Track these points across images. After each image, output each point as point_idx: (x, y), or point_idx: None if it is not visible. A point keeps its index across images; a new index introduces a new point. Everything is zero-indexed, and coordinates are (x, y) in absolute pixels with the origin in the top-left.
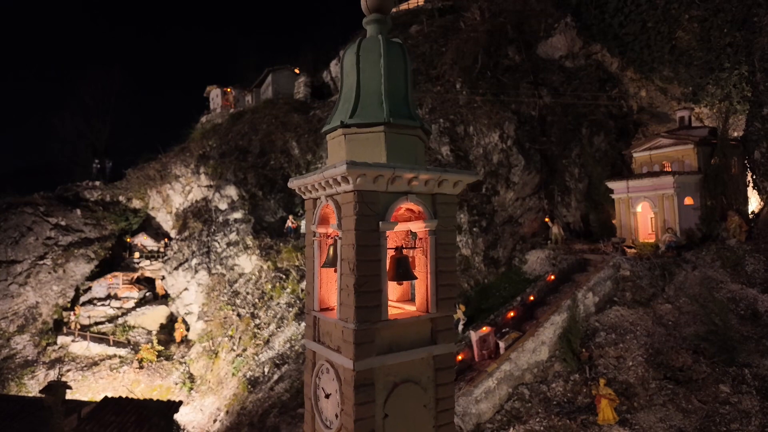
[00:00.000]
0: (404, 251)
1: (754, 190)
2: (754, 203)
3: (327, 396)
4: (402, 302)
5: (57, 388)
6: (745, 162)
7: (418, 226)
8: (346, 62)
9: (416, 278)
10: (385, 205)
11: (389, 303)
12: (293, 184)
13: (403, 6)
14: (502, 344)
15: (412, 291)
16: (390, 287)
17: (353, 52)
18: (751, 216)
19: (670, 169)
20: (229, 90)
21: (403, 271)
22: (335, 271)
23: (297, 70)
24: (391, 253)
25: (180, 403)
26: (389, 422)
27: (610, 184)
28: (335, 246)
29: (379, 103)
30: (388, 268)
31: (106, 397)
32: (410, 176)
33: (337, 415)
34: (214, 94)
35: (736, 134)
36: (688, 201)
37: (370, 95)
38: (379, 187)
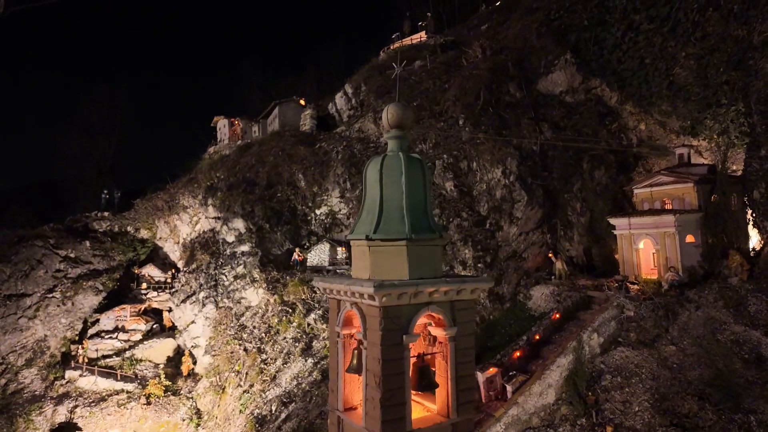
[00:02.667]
0: (425, 358)
1: (755, 228)
2: (754, 239)
3: None
4: (421, 396)
5: (67, 431)
6: (745, 200)
7: (438, 332)
8: (370, 176)
9: (438, 386)
10: (407, 317)
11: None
12: (318, 284)
13: (406, 41)
14: (509, 388)
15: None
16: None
17: (376, 168)
18: (752, 254)
19: (671, 206)
20: (236, 121)
21: (426, 382)
22: (359, 376)
23: (302, 102)
24: (413, 360)
25: None
26: None
27: (612, 221)
28: (359, 352)
29: (401, 217)
30: (411, 375)
31: None
32: (432, 290)
33: None
34: (222, 124)
35: (735, 167)
36: (690, 239)
37: (392, 210)
38: (403, 301)
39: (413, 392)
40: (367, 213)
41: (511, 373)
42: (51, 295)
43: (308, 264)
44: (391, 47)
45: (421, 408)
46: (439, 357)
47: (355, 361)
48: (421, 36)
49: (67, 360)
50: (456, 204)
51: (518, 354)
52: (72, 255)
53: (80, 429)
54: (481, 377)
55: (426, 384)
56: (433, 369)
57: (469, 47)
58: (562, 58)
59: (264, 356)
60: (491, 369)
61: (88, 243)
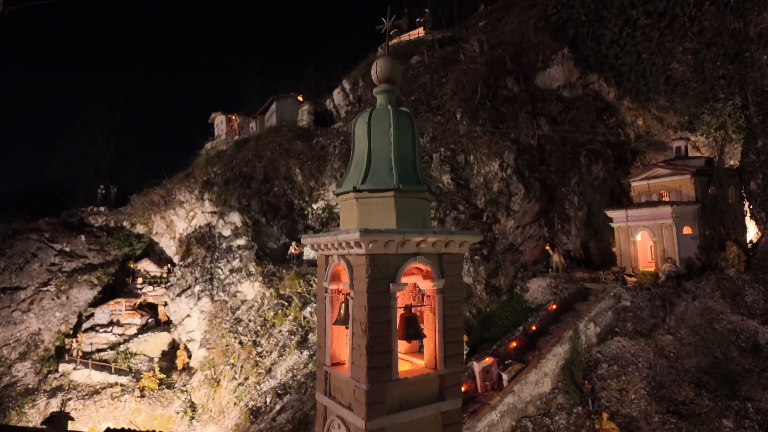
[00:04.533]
0: (413, 309)
1: (752, 220)
2: (752, 232)
3: None
4: (410, 354)
5: (59, 419)
6: (742, 192)
7: (426, 285)
8: (358, 130)
9: (425, 337)
10: (395, 266)
11: (398, 356)
12: (307, 241)
13: (405, 37)
14: (505, 376)
15: (419, 342)
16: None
17: (365, 121)
18: (749, 245)
19: (668, 199)
20: (233, 117)
21: (412, 331)
22: (346, 328)
23: (300, 98)
24: (400, 311)
25: None
26: None
27: (610, 213)
28: (347, 304)
29: (389, 169)
30: (398, 326)
31: (108, 429)
32: (419, 239)
33: None
34: (219, 120)
35: (732, 162)
36: (687, 230)
37: (380, 162)
38: (390, 250)
39: (401, 354)
40: (355, 167)
41: (507, 362)
42: (45, 289)
43: (305, 258)
44: (390, 43)
45: (410, 365)
46: (427, 310)
47: (342, 312)
48: (419, 32)
49: (61, 354)
50: (453, 197)
51: (514, 344)
52: (67, 249)
53: (72, 418)
54: (477, 367)
55: (413, 333)
56: (422, 325)
57: (466, 43)
58: (559, 53)
59: (259, 349)
60: (487, 359)
61: (83, 237)
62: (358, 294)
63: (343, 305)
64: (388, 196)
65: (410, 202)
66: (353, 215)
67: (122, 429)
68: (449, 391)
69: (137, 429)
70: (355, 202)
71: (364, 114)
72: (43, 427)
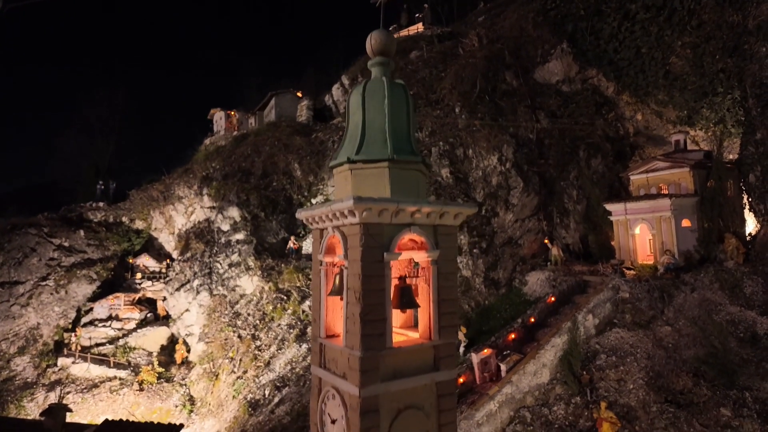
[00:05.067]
0: (407, 280)
1: (750, 213)
2: (750, 225)
3: (333, 422)
4: (405, 329)
5: (57, 411)
6: (741, 185)
7: (420, 256)
8: (352, 102)
9: (419, 306)
10: (389, 236)
11: (393, 330)
12: (301, 215)
13: (404, 32)
14: (503, 367)
15: (415, 317)
16: (394, 314)
17: (359, 93)
18: (748, 238)
19: (666, 192)
20: (232, 113)
21: (406, 299)
22: (341, 299)
23: (299, 94)
24: (395, 282)
25: (181, 426)
26: None
27: (608, 206)
28: (341, 275)
29: (384, 140)
30: (392, 296)
31: (106, 420)
32: (413, 209)
33: None
34: (218, 116)
35: (731, 157)
36: (686, 223)
37: (374, 133)
38: (384, 219)
39: (397, 329)
40: (350, 139)
41: (505, 353)
42: (44, 283)
43: (303, 252)
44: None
45: (405, 338)
46: (422, 281)
47: (337, 283)
48: (418, 27)
49: (59, 348)
50: (452, 190)
51: (513, 336)
52: (66, 244)
53: (70, 410)
54: (475, 358)
55: (407, 302)
56: (417, 298)
57: (465, 38)
58: (558, 48)
59: (258, 343)
60: (486, 350)
61: (82, 232)
62: (353, 263)
63: (337, 277)
64: (382, 167)
65: (405, 173)
66: (347, 187)
67: (120, 420)
68: (444, 361)
69: (136, 421)
70: (349, 174)
71: (358, 86)
72: (42, 418)
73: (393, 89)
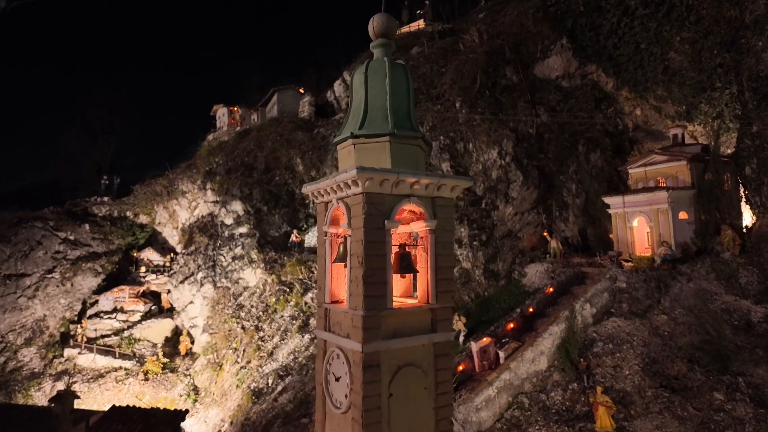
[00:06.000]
0: (407, 248)
1: (747, 205)
2: (747, 218)
3: (337, 379)
4: (405, 298)
5: (65, 397)
6: (738, 178)
7: (419, 226)
8: (356, 81)
9: (417, 271)
10: (390, 206)
11: (393, 299)
12: (307, 189)
13: (405, 29)
14: (502, 354)
15: (414, 287)
16: (394, 284)
17: (362, 72)
18: (744, 230)
19: (664, 185)
20: (235, 109)
21: (406, 264)
22: (345, 266)
23: (301, 90)
24: (395, 249)
25: (186, 411)
26: (393, 401)
27: (607, 199)
28: (345, 244)
29: (385, 117)
30: (392, 262)
31: (113, 406)
32: (412, 180)
33: (346, 396)
34: (221, 112)
35: (729, 152)
36: (683, 215)
37: (376, 110)
38: (385, 189)
39: (397, 297)
40: (353, 116)
41: (504, 340)
42: (50, 276)
43: (306, 245)
44: None
45: (404, 305)
46: (421, 250)
47: (341, 251)
48: (419, 24)
49: (66, 339)
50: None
51: (512, 325)
52: (71, 237)
53: (78, 396)
54: (474, 347)
55: (406, 266)
56: (416, 266)
57: (466, 33)
58: (558, 44)
59: (261, 334)
60: (485, 339)
61: (87, 226)
62: (356, 230)
63: (341, 245)
64: (383, 141)
65: (405, 148)
66: (351, 161)
67: (127, 406)
68: (441, 324)
69: (143, 407)
70: (352, 149)
71: (361, 66)
72: (50, 405)
73: (394, 68)
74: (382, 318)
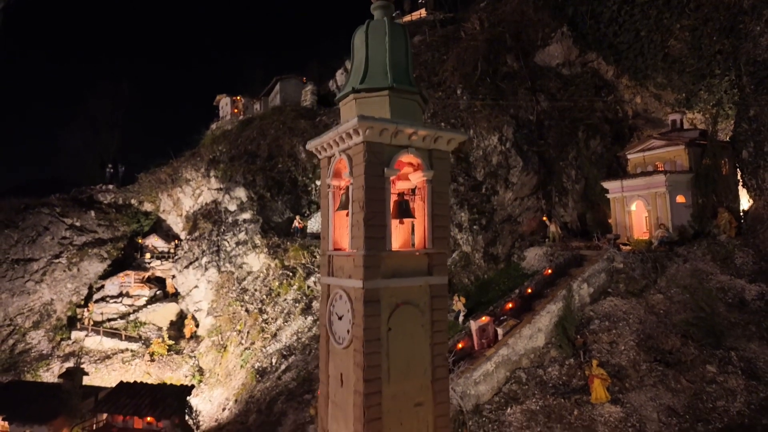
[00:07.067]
0: (405, 197)
1: (744, 189)
2: (744, 204)
3: (340, 318)
4: (404, 249)
5: (74, 373)
6: (735, 162)
7: (417, 177)
8: (357, 40)
9: (414, 217)
10: (389, 155)
11: (393, 249)
12: (311, 144)
13: (407, 18)
14: (500, 331)
15: (412, 241)
16: (393, 236)
17: (363, 31)
18: (741, 214)
19: (662, 169)
20: (238, 98)
21: (404, 209)
22: (347, 215)
23: (304, 79)
24: (394, 198)
25: (192, 386)
26: (392, 335)
27: (606, 184)
28: (347, 192)
29: (384, 72)
30: (392, 209)
31: (121, 382)
32: (410, 131)
33: (348, 331)
34: (224, 102)
35: (727, 138)
36: (680, 199)
37: (376, 66)
38: (384, 139)
39: (395, 249)
40: (354, 73)
41: (502, 318)
42: (57, 261)
43: (308, 231)
44: None
45: (402, 249)
46: (418, 199)
47: (343, 199)
48: (421, 13)
49: (73, 323)
50: (453, 169)
51: (510, 305)
52: (78, 224)
53: (87, 373)
54: (474, 325)
55: (404, 211)
56: (414, 217)
57: (467, 21)
58: (558, 31)
59: (265, 316)
60: (483, 318)
61: (93, 213)
62: (357, 178)
63: (343, 195)
64: (383, 95)
65: (403, 101)
66: (352, 114)
67: (135, 382)
68: (436, 268)
69: (150, 383)
70: (354, 103)
71: (362, 26)
72: (60, 381)
73: (393, 27)
74: (381, 258)
